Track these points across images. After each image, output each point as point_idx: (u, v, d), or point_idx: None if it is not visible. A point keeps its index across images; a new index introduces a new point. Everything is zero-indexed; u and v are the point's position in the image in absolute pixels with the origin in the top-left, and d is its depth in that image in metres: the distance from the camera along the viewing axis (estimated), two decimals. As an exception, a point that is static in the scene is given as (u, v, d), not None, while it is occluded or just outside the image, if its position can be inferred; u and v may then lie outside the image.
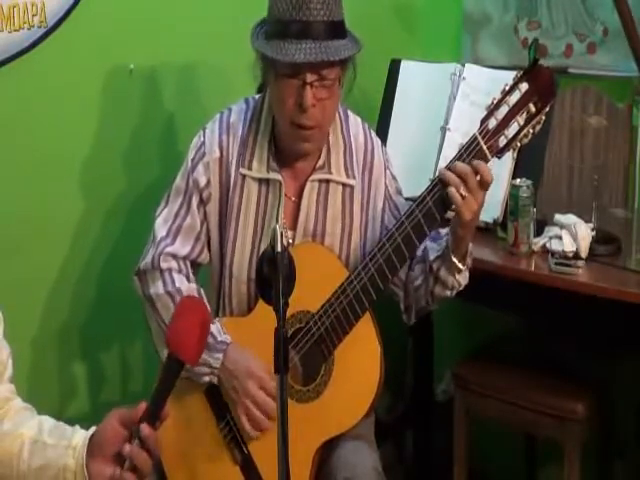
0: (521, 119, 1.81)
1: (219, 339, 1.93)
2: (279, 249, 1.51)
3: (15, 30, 2.17)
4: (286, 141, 1.96)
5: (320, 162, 2.01)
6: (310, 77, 1.85)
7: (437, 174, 1.85)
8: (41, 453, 1.40)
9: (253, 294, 1.99)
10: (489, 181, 1.80)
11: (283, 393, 1.44)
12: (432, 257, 1.95)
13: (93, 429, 1.41)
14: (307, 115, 1.88)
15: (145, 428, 1.35)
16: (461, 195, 1.78)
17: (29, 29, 2.20)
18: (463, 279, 1.96)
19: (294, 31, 1.83)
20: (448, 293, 1.98)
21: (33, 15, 2.20)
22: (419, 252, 2.01)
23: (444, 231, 1.95)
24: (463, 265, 1.92)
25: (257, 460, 1.96)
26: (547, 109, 1.81)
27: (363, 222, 2.05)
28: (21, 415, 1.48)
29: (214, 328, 1.94)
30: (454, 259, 1.90)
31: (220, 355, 1.92)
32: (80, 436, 1.40)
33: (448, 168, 1.82)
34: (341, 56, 1.86)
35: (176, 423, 2.01)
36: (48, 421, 1.47)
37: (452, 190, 1.79)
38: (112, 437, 1.37)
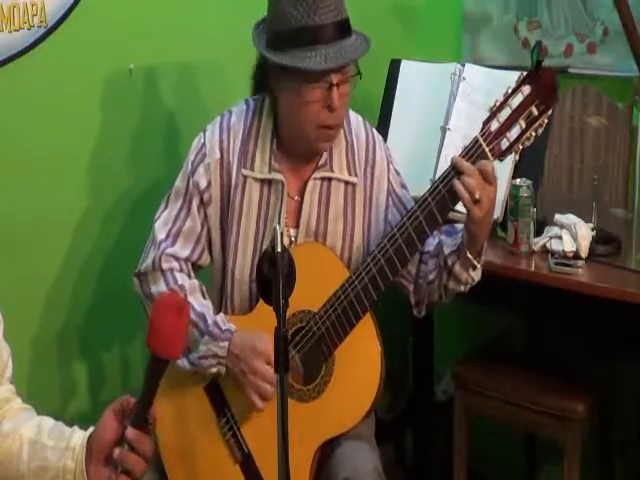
0: (523, 122, 1.81)
1: (224, 328, 1.94)
2: (279, 249, 1.51)
3: (15, 30, 2.17)
4: (304, 143, 1.96)
5: (322, 160, 2.01)
6: (336, 78, 1.87)
7: (450, 162, 1.85)
8: (40, 454, 1.40)
9: (255, 294, 1.99)
10: (489, 172, 1.80)
11: (283, 393, 1.44)
12: (447, 252, 1.95)
13: (91, 429, 1.40)
14: (334, 115, 1.90)
15: (130, 432, 1.33)
16: (474, 199, 1.79)
17: (29, 29, 2.20)
18: (477, 275, 1.97)
19: (308, 37, 1.84)
20: (462, 288, 1.98)
21: (33, 15, 2.20)
22: (432, 247, 2.02)
23: (460, 226, 1.95)
24: (478, 262, 1.93)
25: (257, 458, 1.96)
26: (549, 112, 1.81)
27: (366, 220, 2.06)
28: (20, 416, 1.48)
29: (218, 318, 1.95)
30: (469, 255, 1.90)
31: (226, 344, 1.93)
32: (78, 437, 1.40)
33: (450, 170, 1.83)
34: (363, 53, 1.90)
35: (176, 420, 2.02)
36: (47, 421, 1.46)
37: (466, 178, 1.79)
38: (109, 437, 1.36)
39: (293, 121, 1.96)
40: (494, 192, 1.83)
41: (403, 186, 2.11)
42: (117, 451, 1.33)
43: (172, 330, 1.34)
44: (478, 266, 1.94)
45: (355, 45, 1.89)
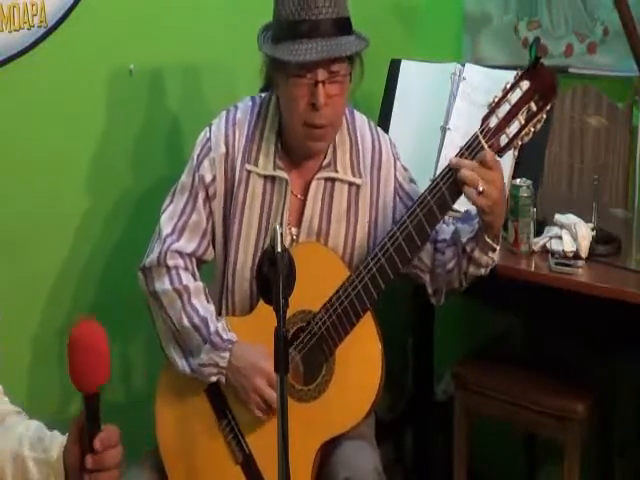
0: (522, 117, 1.81)
1: (225, 337, 1.94)
2: (279, 249, 1.51)
3: (15, 30, 2.17)
4: (297, 141, 1.96)
5: (326, 160, 2.01)
6: (322, 75, 1.86)
7: (448, 163, 1.85)
8: (22, 468, 1.39)
9: (256, 292, 1.99)
10: (489, 160, 1.79)
11: (283, 393, 1.44)
12: (465, 239, 1.95)
13: (66, 438, 1.38)
14: (320, 114, 1.88)
15: (89, 460, 1.30)
16: (478, 192, 1.79)
17: (29, 29, 2.20)
18: (496, 256, 1.97)
19: (303, 31, 1.84)
20: (482, 271, 1.99)
21: (33, 15, 2.20)
22: (448, 235, 2.02)
23: (475, 211, 1.94)
24: (497, 244, 1.93)
25: (258, 459, 1.96)
26: (548, 108, 1.81)
27: (372, 221, 2.06)
28: (7, 423, 1.47)
29: (219, 326, 1.95)
30: (488, 239, 1.90)
31: (227, 354, 1.93)
32: (56, 448, 1.38)
33: (448, 170, 1.83)
34: (352, 51, 1.88)
35: (177, 422, 2.02)
36: (28, 429, 1.44)
37: (465, 172, 1.79)
38: (75, 461, 1.34)
39: (286, 117, 1.96)
40: (499, 177, 1.82)
41: (411, 180, 2.11)
42: (86, 478, 1.31)
43: (94, 365, 1.27)
44: (497, 248, 1.94)
45: (347, 44, 1.87)
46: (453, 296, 2.07)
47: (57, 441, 1.40)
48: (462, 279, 2.01)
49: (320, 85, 1.86)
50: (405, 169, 2.11)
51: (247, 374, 1.92)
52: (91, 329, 1.27)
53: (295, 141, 1.97)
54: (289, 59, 1.84)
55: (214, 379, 1.95)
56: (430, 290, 2.07)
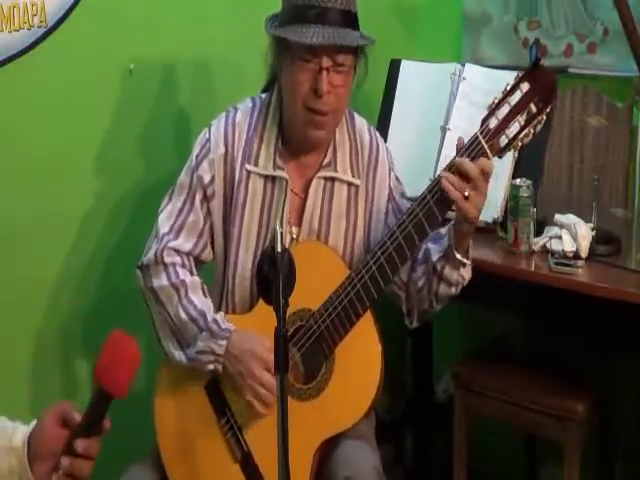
0: (522, 119, 1.82)
1: (223, 327, 1.94)
2: (279, 249, 1.51)
3: (15, 30, 2.17)
4: (298, 128, 1.96)
5: (326, 160, 2.02)
6: (326, 62, 1.87)
7: (437, 175, 1.85)
8: None
9: (256, 291, 1.99)
10: (490, 172, 1.81)
11: (283, 392, 1.44)
12: (435, 258, 1.95)
13: (32, 426, 1.39)
14: (322, 100, 1.89)
15: (80, 443, 1.32)
16: (464, 196, 1.79)
17: (29, 29, 2.20)
18: (467, 273, 1.97)
19: (311, 16, 1.86)
20: (453, 290, 1.98)
21: (33, 15, 2.20)
22: (420, 254, 2.01)
23: (444, 231, 1.96)
24: (467, 259, 1.93)
25: (257, 457, 1.96)
26: (548, 110, 1.82)
27: (367, 221, 2.06)
28: None
29: (218, 316, 1.96)
30: (458, 255, 1.90)
31: (224, 342, 1.92)
32: (20, 435, 1.39)
33: (449, 167, 1.83)
34: (358, 43, 1.89)
35: (176, 419, 2.02)
36: None
37: (453, 193, 1.80)
38: (52, 444, 1.35)
39: (287, 102, 1.97)
40: (486, 188, 1.83)
41: (403, 195, 2.11)
42: (66, 461, 1.32)
43: (123, 370, 1.39)
44: (468, 263, 1.94)
45: (354, 36, 1.88)
46: (457, 293, 2.05)
47: (21, 429, 1.40)
48: (432, 300, 2.00)
49: (324, 72, 1.87)
50: (398, 181, 2.11)
51: (244, 360, 1.91)
52: (135, 344, 1.39)
53: (296, 129, 1.97)
54: (295, 39, 1.85)
55: (211, 367, 1.94)
56: (404, 309, 2.07)
